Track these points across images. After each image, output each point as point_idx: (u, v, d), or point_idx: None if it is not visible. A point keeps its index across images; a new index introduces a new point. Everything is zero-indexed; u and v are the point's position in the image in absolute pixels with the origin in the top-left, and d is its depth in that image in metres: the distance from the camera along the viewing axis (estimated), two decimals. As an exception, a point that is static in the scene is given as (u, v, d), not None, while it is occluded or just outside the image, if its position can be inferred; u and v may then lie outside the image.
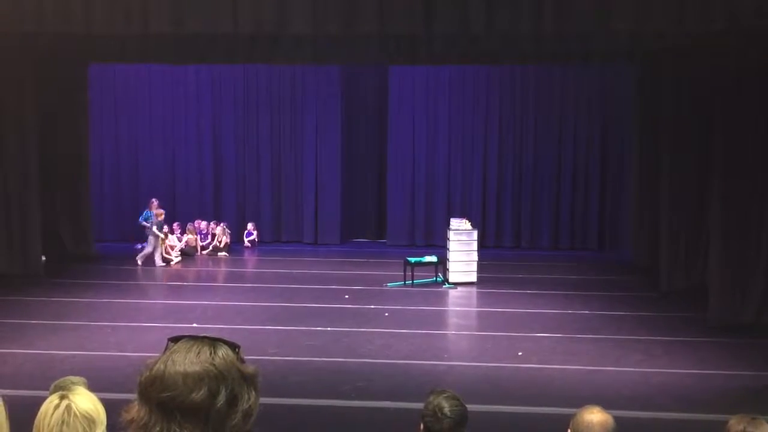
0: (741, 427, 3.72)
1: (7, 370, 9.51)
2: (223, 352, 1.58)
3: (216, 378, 1.54)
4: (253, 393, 1.60)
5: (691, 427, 8.12)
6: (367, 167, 20.54)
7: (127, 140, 20.05)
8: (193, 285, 15.93)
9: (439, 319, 13.14)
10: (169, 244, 17.75)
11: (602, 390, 9.04)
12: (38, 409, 2.93)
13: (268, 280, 15.89)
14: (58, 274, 15.40)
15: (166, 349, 1.61)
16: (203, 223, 19.02)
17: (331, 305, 13.29)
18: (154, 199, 18.11)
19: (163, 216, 17.58)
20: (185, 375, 1.53)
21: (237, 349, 1.62)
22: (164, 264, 17.17)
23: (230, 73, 19.71)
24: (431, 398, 3.57)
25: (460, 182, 19.80)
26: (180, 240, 18.31)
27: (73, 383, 4.05)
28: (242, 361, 1.61)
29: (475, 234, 15.45)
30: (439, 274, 15.38)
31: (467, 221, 15.77)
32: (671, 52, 14.16)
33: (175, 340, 1.62)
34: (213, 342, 1.60)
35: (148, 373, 1.57)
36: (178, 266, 17.30)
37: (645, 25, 10.56)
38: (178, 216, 19.10)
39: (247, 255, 18.80)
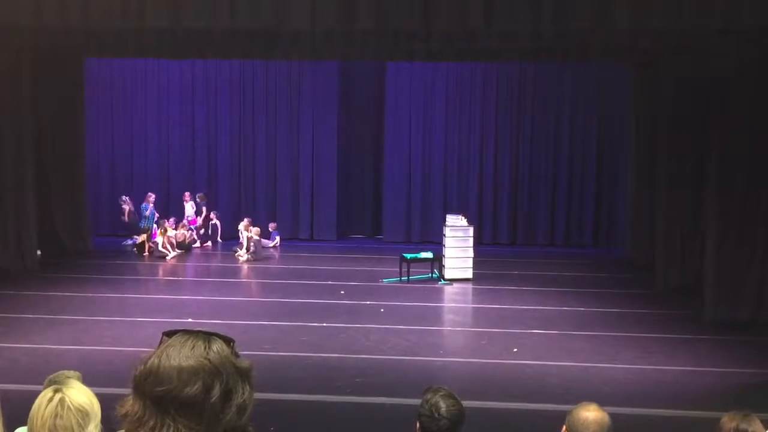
0: (734, 423, 3.74)
1: (3, 364, 9.50)
2: (217, 346, 1.58)
3: (210, 372, 1.54)
4: (248, 388, 1.60)
5: (686, 424, 8.13)
6: (364, 163, 20.54)
7: (123, 135, 20.04)
8: (188, 280, 15.91)
9: (434, 315, 13.15)
10: (168, 240, 17.70)
11: (598, 387, 9.05)
12: (33, 403, 2.93)
13: (264, 276, 15.90)
14: (54, 268, 15.39)
15: (160, 343, 1.61)
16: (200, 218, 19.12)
17: (327, 301, 13.29)
18: (150, 193, 18.37)
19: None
20: (180, 369, 1.53)
21: (231, 344, 1.62)
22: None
23: (227, 68, 19.69)
24: (428, 396, 3.50)
25: (457, 179, 19.81)
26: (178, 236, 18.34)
27: (68, 377, 4.06)
28: (237, 355, 1.61)
29: (471, 230, 15.45)
30: (435, 270, 15.39)
31: (463, 217, 15.78)
32: (669, 51, 14.17)
33: (170, 334, 1.62)
34: (207, 336, 1.60)
35: (142, 368, 1.57)
36: (174, 261, 17.28)
37: (644, 24, 10.57)
38: (174, 212, 19.08)
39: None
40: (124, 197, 18.75)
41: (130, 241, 18.45)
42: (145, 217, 18.16)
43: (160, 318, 11.80)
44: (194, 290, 14.50)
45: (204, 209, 18.89)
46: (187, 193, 19.05)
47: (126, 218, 18.60)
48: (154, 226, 17.84)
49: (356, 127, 20.33)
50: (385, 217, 20.10)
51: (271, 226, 18.94)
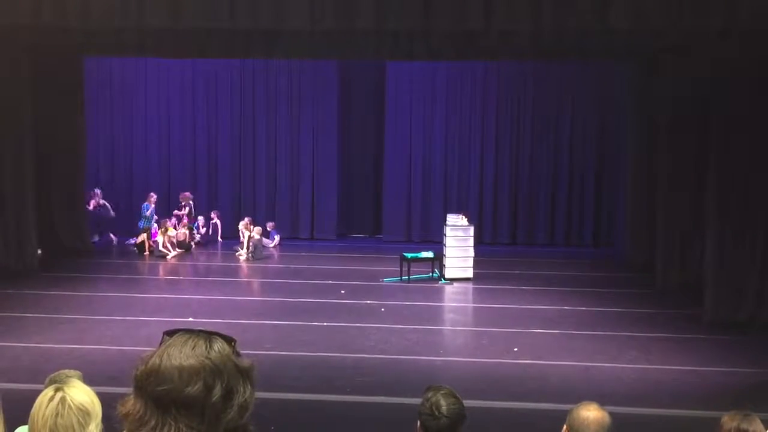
0: (734, 423, 3.74)
1: (3, 364, 9.50)
2: (218, 345, 1.58)
3: (212, 372, 1.54)
4: (249, 387, 1.60)
5: (686, 424, 8.14)
6: (364, 163, 20.53)
7: (123, 135, 20.04)
8: (188, 279, 15.91)
9: (435, 315, 13.15)
10: (169, 239, 17.69)
11: (598, 386, 9.06)
12: (34, 403, 2.93)
13: (264, 275, 15.89)
14: (54, 268, 15.38)
15: (161, 342, 1.61)
16: (200, 217, 19.11)
17: (327, 300, 13.29)
18: (152, 193, 18.39)
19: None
20: (181, 369, 1.53)
21: (233, 343, 1.62)
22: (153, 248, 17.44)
23: (227, 67, 19.67)
24: (429, 395, 3.49)
25: (457, 178, 19.81)
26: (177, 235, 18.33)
27: (69, 376, 4.07)
28: (238, 354, 1.61)
29: (471, 230, 15.46)
30: (435, 269, 15.39)
31: (464, 217, 15.79)
32: (669, 51, 14.16)
33: (171, 333, 1.62)
34: (209, 336, 1.60)
35: (143, 367, 1.57)
36: (174, 260, 17.28)
37: (643, 24, 10.57)
38: (173, 211, 19.07)
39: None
40: (96, 190, 18.76)
41: (131, 240, 18.44)
42: (145, 216, 18.14)
43: (161, 317, 11.80)
44: (195, 290, 14.50)
45: (187, 209, 18.91)
46: (187, 193, 19.08)
47: (91, 207, 18.54)
48: (154, 225, 17.84)
49: (356, 127, 20.32)
50: (386, 216, 20.09)
51: (270, 226, 18.91)
